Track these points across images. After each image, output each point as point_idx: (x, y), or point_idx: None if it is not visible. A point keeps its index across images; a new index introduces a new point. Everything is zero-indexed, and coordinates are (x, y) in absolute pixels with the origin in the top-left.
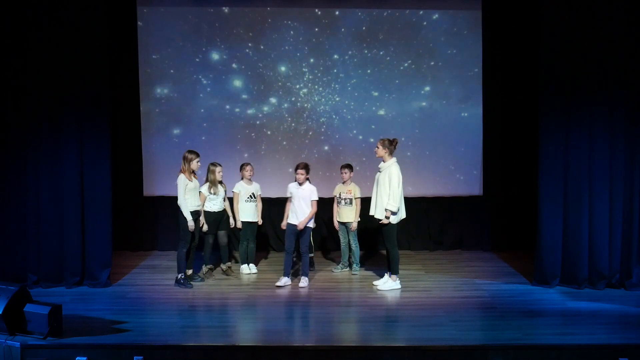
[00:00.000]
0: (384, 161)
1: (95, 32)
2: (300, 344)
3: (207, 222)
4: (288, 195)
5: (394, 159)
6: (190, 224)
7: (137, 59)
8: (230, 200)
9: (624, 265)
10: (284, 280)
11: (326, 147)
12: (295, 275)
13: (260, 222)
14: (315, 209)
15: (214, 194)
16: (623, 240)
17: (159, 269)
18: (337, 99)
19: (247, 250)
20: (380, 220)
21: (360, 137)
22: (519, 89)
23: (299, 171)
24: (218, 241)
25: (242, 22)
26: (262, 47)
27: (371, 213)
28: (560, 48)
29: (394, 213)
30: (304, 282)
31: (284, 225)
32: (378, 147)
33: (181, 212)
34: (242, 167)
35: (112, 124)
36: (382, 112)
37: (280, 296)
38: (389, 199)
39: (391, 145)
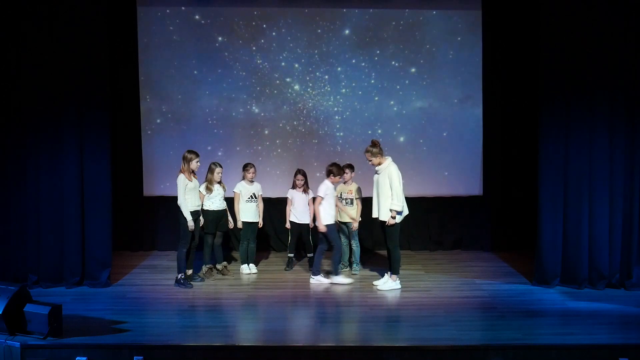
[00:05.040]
0: (380, 163)
1: (95, 32)
2: (300, 344)
3: (206, 221)
4: (323, 194)
5: (389, 159)
6: (190, 224)
7: (137, 59)
8: (230, 200)
9: (624, 265)
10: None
11: (326, 147)
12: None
13: (260, 225)
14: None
15: (209, 193)
16: (623, 240)
17: (159, 269)
18: (338, 98)
19: (248, 250)
20: (386, 221)
21: (361, 137)
22: (519, 89)
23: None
24: (214, 241)
25: (243, 22)
26: (262, 46)
27: (374, 215)
28: (560, 48)
29: (399, 212)
30: (338, 279)
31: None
32: (370, 159)
33: (181, 212)
34: (245, 168)
35: (112, 124)
36: (382, 112)
37: (280, 296)
38: (393, 198)
39: (376, 147)
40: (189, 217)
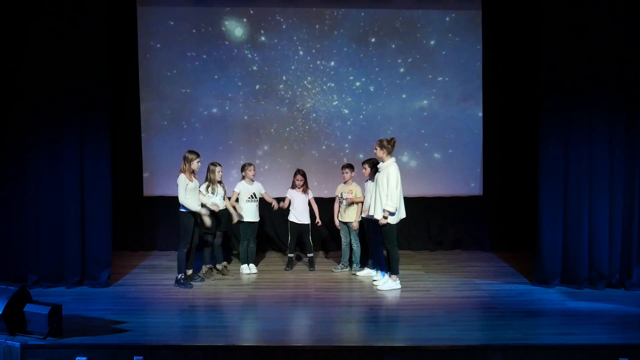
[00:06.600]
0: (382, 161)
1: (95, 32)
2: (300, 344)
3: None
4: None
5: (392, 159)
6: (204, 211)
7: (137, 59)
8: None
9: (624, 265)
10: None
11: (326, 148)
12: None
13: (276, 206)
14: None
15: (213, 193)
16: (623, 240)
17: (159, 269)
18: (337, 98)
19: (248, 250)
20: (379, 220)
21: (361, 137)
22: (519, 89)
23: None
24: (214, 241)
25: (242, 22)
26: (261, 47)
27: (370, 213)
28: (560, 48)
29: (392, 213)
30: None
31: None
32: (376, 149)
33: (182, 212)
34: (244, 167)
35: (112, 124)
36: (382, 112)
37: (280, 296)
38: (387, 199)
39: (389, 144)
40: (199, 209)
